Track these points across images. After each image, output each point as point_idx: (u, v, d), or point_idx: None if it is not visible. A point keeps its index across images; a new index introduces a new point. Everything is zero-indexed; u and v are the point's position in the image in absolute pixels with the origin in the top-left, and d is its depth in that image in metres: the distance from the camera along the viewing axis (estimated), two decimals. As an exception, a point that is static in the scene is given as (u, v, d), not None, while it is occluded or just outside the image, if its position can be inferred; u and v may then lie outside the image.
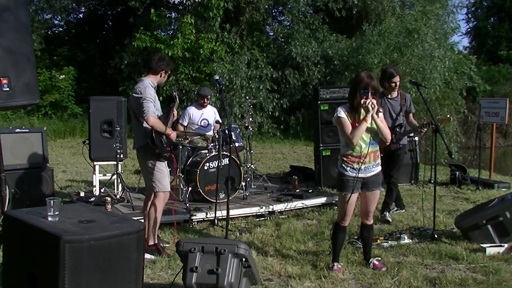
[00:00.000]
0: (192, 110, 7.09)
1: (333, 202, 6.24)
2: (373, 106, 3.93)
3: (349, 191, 4.03)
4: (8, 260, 2.96)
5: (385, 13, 16.02)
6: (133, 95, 4.54)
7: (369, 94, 3.93)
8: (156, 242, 4.62)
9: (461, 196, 7.14)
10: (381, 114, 4.07)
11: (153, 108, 4.42)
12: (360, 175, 4.02)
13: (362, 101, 3.94)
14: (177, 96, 4.73)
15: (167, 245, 4.82)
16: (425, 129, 5.53)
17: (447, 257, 4.48)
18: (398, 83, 5.62)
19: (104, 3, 20.60)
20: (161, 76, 4.65)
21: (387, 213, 5.73)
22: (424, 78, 13.41)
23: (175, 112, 4.71)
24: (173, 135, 4.60)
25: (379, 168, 4.16)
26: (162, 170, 4.58)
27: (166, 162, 4.67)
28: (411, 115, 5.85)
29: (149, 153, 4.52)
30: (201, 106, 7.09)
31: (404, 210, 6.10)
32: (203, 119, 7.02)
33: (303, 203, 6.26)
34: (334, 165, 6.28)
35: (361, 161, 4.00)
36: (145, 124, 4.43)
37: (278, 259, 4.46)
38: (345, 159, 4.07)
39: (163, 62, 4.64)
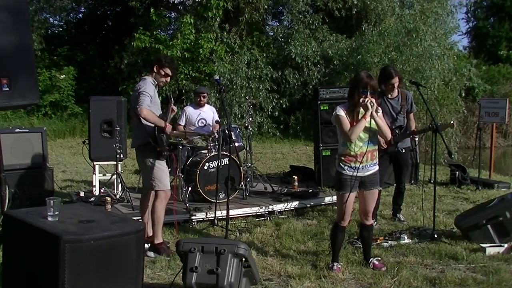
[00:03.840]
0: (189, 110, 7.07)
1: (333, 202, 6.24)
2: (372, 104, 3.94)
3: (347, 190, 4.04)
4: (8, 260, 2.96)
5: (384, 13, 16.00)
6: (134, 93, 4.58)
7: (368, 93, 3.94)
8: (161, 241, 4.62)
9: (461, 196, 7.14)
10: (380, 113, 4.08)
11: (148, 102, 4.41)
12: (358, 174, 4.03)
13: (361, 99, 3.95)
14: (171, 97, 4.77)
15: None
16: (417, 137, 5.30)
17: (447, 257, 4.48)
18: (396, 84, 5.33)
19: (104, 3, 20.57)
20: (162, 74, 4.64)
21: (400, 214, 5.76)
22: (423, 77, 13.40)
23: (174, 107, 4.73)
24: (168, 127, 4.59)
25: (376, 167, 4.17)
26: (162, 169, 4.59)
27: (165, 161, 4.68)
28: (411, 115, 5.56)
29: (149, 152, 4.52)
30: (198, 105, 7.07)
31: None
32: (200, 119, 7.00)
33: (303, 203, 6.26)
34: (334, 165, 6.18)
35: (359, 160, 4.02)
36: (145, 122, 4.43)
37: (278, 259, 4.46)
38: (342, 158, 4.09)
39: (172, 63, 4.70)
